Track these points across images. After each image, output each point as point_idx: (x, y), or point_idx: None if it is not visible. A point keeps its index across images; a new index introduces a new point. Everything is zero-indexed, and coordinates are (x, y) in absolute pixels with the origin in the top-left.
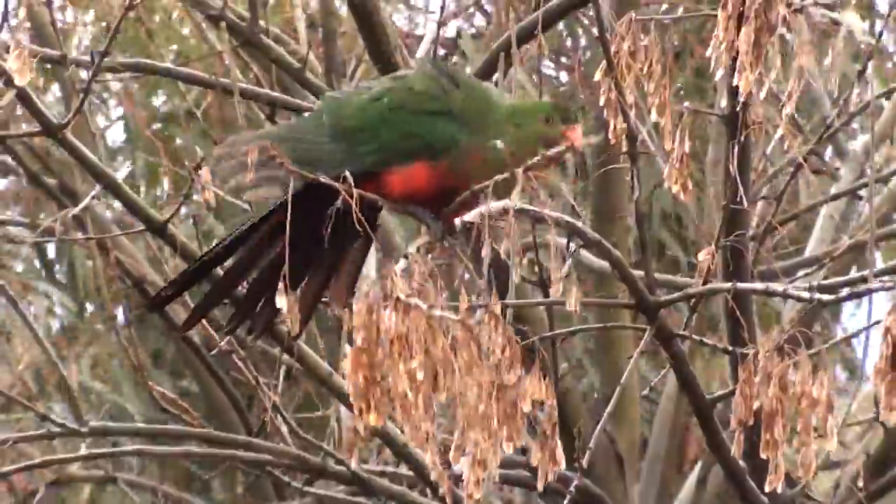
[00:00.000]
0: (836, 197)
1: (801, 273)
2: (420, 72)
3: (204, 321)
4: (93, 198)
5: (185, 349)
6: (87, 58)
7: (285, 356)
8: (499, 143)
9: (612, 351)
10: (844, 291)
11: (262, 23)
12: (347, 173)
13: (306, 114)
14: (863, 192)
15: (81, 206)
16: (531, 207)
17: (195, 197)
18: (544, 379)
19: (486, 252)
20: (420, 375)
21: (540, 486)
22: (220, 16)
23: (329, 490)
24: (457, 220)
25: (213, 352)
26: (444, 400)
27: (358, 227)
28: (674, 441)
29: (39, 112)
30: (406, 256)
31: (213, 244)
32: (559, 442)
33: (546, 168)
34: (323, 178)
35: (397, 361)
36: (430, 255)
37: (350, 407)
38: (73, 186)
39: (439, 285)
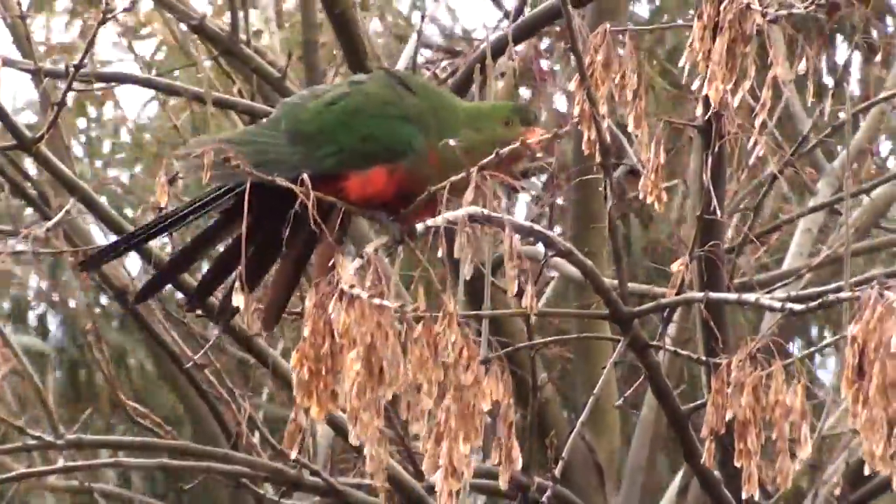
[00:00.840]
0: (813, 210)
1: (778, 285)
2: (375, 77)
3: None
4: (66, 212)
5: (164, 360)
6: (62, 69)
7: (259, 366)
8: (452, 142)
9: (592, 360)
10: (815, 302)
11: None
12: (305, 176)
13: (264, 119)
14: (840, 206)
15: (54, 220)
16: (497, 215)
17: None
18: (502, 376)
19: (462, 258)
20: (357, 367)
21: (502, 485)
22: (200, 25)
23: (305, 502)
24: (418, 225)
25: (188, 364)
26: (389, 395)
27: (315, 228)
28: (654, 451)
29: (14, 126)
30: (361, 256)
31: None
32: (516, 442)
33: (501, 168)
34: (279, 180)
35: (342, 353)
36: (387, 257)
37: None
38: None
39: (391, 284)
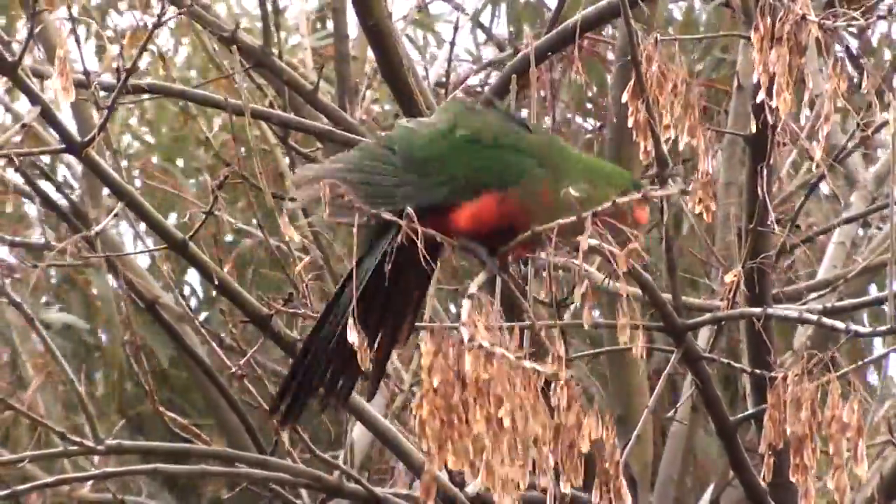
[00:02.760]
0: (848, 221)
1: (813, 296)
2: (493, 110)
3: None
4: (115, 216)
5: (196, 372)
6: (110, 78)
7: None
8: (573, 191)
9: (625, 371)
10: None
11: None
12: (410, 210)
13: (371, 141)
14: (874, 218)
15: (102, 224)
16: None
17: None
18: (603, 419)
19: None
20: (507, 422)
21: None
22: (233, 38)
23: None
24: (510, 258)
25: (233, 372)
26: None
27: (424, 265)
28: (687, 463)
29: (64, 130)
30: (470, 296)
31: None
32: (624, 482)
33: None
34: (386, 215)
35: (474, 406)
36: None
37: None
38: (85, 210)
39: (503, 329)
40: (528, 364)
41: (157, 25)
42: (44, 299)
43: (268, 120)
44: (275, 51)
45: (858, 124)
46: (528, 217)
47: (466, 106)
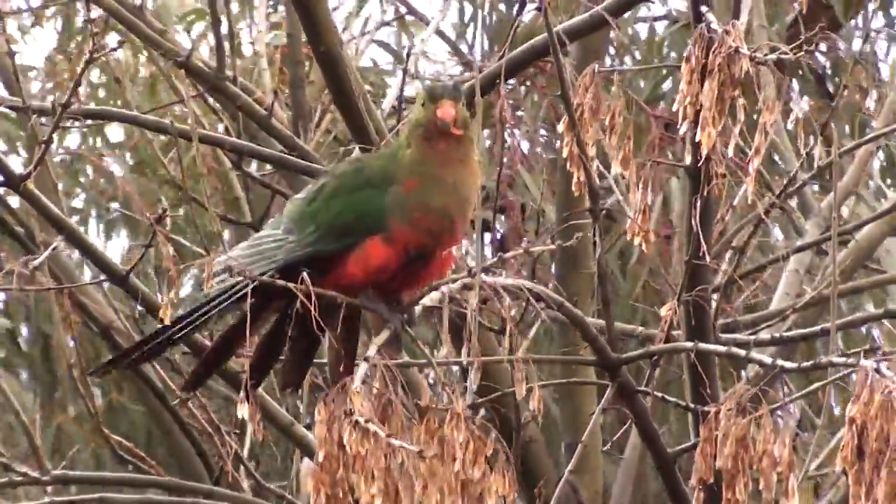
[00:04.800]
0: (799, 249)
1: (763, 326)
2: (342, 163)
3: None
4: (54, 249)
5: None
6: (49, 106)
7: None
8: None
9: (575, 400)
10: (807, 363)
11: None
12: (305, 275)
13: (269, 222)
14: (826, 246)
15: (42, 257)
16: (488, 279)
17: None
18: (507, 473)
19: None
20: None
21: None
22: (186, 63)
23: None
24: (416, 308)
25: (175, 401)
26: None
27: (317, 329)
28: (637, 493)
29: (2, 164)
30: (367, 360)
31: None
32: None
33: (436, 141)
34: (280, 281)
35: (358, 480)
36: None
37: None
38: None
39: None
40: (395, 442)
41: (91, 60)
42: None
43: (220, 146)
44: (230, 74)
45: (804, 155)
46: (431, 215)
47: (350, 161)
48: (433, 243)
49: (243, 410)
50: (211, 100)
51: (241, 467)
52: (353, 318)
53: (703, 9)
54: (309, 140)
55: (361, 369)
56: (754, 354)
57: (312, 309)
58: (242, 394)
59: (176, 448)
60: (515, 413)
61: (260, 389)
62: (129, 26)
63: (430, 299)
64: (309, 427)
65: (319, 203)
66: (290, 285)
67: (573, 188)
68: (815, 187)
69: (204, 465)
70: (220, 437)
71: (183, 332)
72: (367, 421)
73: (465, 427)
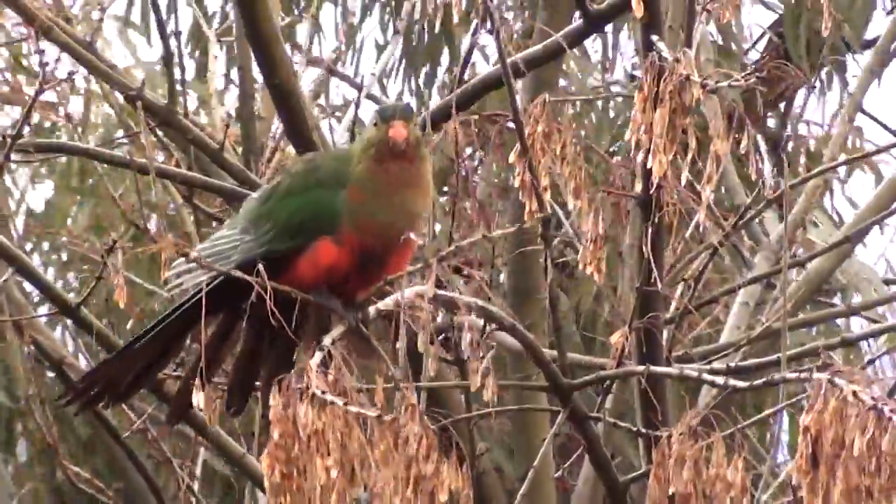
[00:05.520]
0: (751, 282)
1: (716, 357)
2: (297, 161)
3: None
4: (5, 281)
5: (101, 431)
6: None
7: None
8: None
9: (528, 430)
10: (758, 380)
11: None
12: (261, 267)
13: (227, 221)
14: (776, 279)
15: None
16: (445, 293)
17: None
18: (461, 467)
19: (400, 342)
20: (335, 473)
21: None
22: (138, 96)
23: None
24: (371, 309)
25: (127, 434)
26: (359, 494)
27: (273, 320)
28: None
29: None
30: (321, 348)
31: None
32: None
33: (390, 161)
34: (235, 273)
35: (314, 457)
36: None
37: (263, 489)
38: None
39: (354, 376)
40: (353, 408)
41: (40, 92)
42: None
43: (172, 179)
44: (180, 109)
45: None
46: (376, 226)
47: (304, 160)
48: (381, 249)
49: (198, 398)
50: (161, 133)
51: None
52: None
53: (654, 38)
54: (261, 174)
55: (317, 357)
56: (706, 375)
57: (268, 304)
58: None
59: (130, 483)
60: (470, 443)
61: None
62: (80, 60)
63: (385, 304)
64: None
65: (274, 202)
66: (249, 278)
67: (525, 217)
68: (765, 220)
69: (156, 499)
70: (173, 468)
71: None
72: (323, 392)
73: (420, 421)
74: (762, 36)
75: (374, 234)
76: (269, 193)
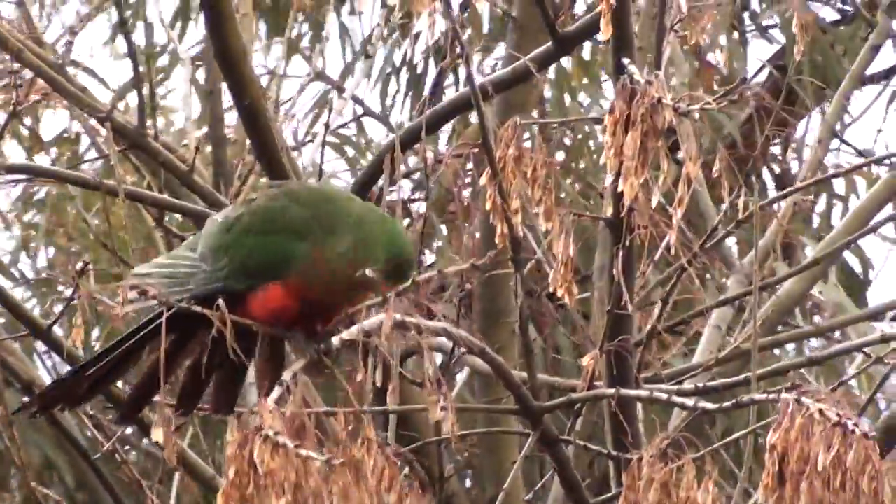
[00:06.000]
0: (720, 304)
1: (686, 377)
2: (263, 195)
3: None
4: None
5: (71, 452)
6: None
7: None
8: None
9: (497, 452)
10: (728, 402)
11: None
12: (221, 301)
13: (190, 238)
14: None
15: None
16: (411, 319)
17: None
18: (424, 493)
19: (360, 375)
20: None
21: None
22: (108, 118)
23: None
24: (334, 340)
25: (98, 455)
26: None
27: (231, 355)
28: None
29: None
30: (281, 384)
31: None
32: None
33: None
34: (195, 308)
35: (268, 498)
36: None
37: None
38: None
39: (313, 417)
40: (303, 452)
41: (14, 115)
42: None
43: (141, 201)
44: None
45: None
46: (328, 287)
47: (270, 196)
48: (326, 306)
49: (156, 435)
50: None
51: None
52: (278, 351)
53: (625, 60)
54: (231, 196)
55: (275, 392)
56: (676, 398)
57: (228, 337)
58: (158, 416)
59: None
60: (439, 465)
61: (183, 444)
62: (50, 83)
63: (349, 333)
64: None
65: (233, 236)
66: (208, 312)
67: (496, 241)
68: (735, 247)
69: None
70: (142, 492)
71: (104, 367)
72: (276, 434)
73: (381, 451)
74: (761, 69)
75: (322, 286)
76: (231, 223)
